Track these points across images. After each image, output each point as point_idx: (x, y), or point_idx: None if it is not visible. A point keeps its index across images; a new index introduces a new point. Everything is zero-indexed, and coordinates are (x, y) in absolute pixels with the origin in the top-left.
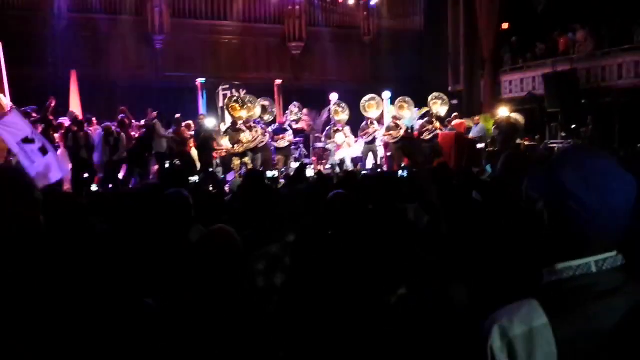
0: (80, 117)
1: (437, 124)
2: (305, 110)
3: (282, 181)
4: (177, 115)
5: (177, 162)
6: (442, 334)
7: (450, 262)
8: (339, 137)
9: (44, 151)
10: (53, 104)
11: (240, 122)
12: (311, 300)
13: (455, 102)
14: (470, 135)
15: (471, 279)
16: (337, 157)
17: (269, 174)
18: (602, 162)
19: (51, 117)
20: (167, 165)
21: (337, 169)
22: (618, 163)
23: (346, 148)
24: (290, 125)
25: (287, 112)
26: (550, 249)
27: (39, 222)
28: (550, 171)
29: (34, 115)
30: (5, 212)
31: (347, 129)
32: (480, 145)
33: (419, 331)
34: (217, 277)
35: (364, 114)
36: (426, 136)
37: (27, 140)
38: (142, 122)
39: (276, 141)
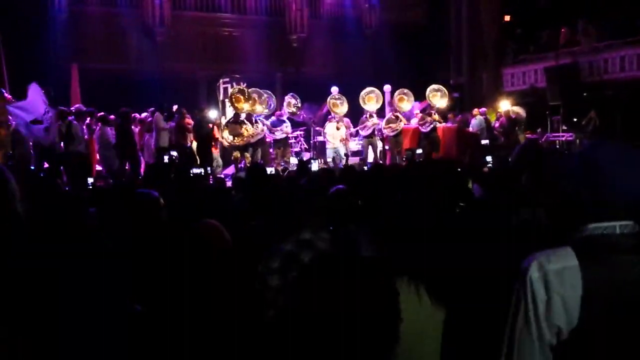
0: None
1: (436, 117)
2: (305, 104)
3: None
4: (175, 107)
5: (175, 155)
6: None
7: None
8: (329, 129)
9: (46, 130)
10: (52, 94)
11: (242, 114)
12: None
13: (456, 95)
14: (470, 129)
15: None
16: (328, 147)
17: (268, 169)
18: (628, 147)
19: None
20: (166, 160)
21: (332, 163)
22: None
23: (336, 139)
24: (289, 118)
25: (283, 103)
26: (579, 215)
27: (16, 213)
28: (584, 154)
29: (64, 109)
30: None
31: (345, 122)
32: (484, 142)
33: None
34: (209, 275)
35: (363, 106)
36: (424, 128)
37: (35, 122)
38: (143, 115)
39: (273, 133)
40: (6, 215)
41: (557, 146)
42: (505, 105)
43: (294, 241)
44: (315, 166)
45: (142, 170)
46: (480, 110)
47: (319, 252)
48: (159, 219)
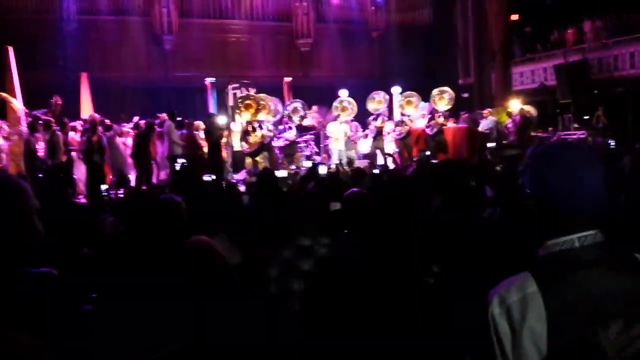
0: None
1: (440, 120)
2: (315, 107)
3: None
4: (179, 119)
5: (184, 162)
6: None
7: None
8: (332, 128)
9: None
10: (60, 102)
11: (251, 122)
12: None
13: (465, 95)
14: (480, 129)
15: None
16: (332, 148)
17: (279, 173)
18: (573, 154)
19: (66, 120)
20: (177, 167)
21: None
22: (589, 154)
23: (340, 141)
24: (298, 124)
25: (290, 109)
26: (542, 231)
27: (34, 228)
28: (533, 165)
29: (43, 117)
30: None
31: (353, 126)
32: (490, 145)
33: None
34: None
35: (369, 109)
36: (430, 130)
37: None
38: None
39: (277, 139)
40: (26, 231)
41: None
42: (515, 104)
43: (294, 248)
44: (323, 170)
45: (154, 178)
46: (484, 110)
47: (319, 259)
48: (182, 222)
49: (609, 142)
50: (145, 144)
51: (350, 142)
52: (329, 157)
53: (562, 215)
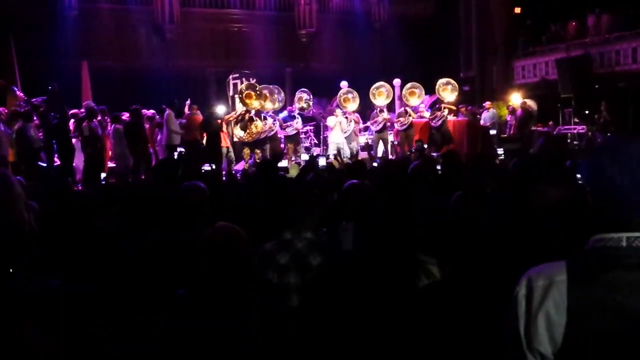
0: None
1: (446, 111)
2: (315, 99)
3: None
4: (187, 103)
5: (182, 150)
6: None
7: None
8: (330, 120)
9: None
10: (56, 89)
11: (252, 111)
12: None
13: (467, 88)
14: (481, 122)
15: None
16: (330, 140)
17: (282, 164)
18: (635, 148)
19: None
20: (175, 156)
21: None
22: None
23: (338, 132)
24: (300, 113)
25: (295, 99)
26: (593, 224)
27: (22, 219)
28: (591, 158)
29: (40, 107)
30: None
31: (355, 117)
32: (492, 132)
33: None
34: (224, 275)
35: (373, 101)
36: (434, 122)
37: None
38: (151, 112)
39: (284, 129)
40: (13, 221)
41: (569, 139)
42: (516, 98)
43: (276, 241)
44: (322, 162)
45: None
46: (486, 103)
47: (292, 254)
48: (205, 210)
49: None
50: (136, 132)
51: (352, 134)
52: (327, 149)
53: (613, 211)
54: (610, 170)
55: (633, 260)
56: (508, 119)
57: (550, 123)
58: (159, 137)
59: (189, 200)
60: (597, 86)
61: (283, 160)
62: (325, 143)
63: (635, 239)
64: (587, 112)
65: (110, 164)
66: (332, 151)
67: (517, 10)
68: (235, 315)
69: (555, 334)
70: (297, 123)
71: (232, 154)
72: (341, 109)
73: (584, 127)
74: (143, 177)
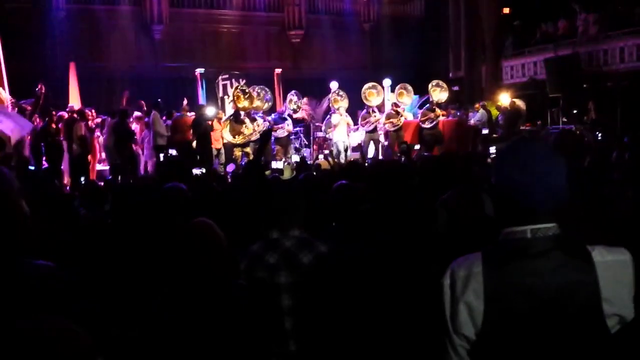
0: (78, 109)
1: (439, 112)
2: (305, 99)
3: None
4: (185, 102)
5: (174, 152)
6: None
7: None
8: (334, 118)
9: None
10: (43, 90)
11: (243, 112)
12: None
13: (456, 88)
14: (471, 122)
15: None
16: (334, 139)
17: (274, 164)
18: (534, 149)
19: (52, 110)
20: (161, 158)
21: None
22: (549, 150)
23: (344, 128)
24: (290, 115)
25: (286, 101)
26: (502, 220)
27: (22, 211)
28: (497, 160)
29: (28, 108)
30: None
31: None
32: (485, 131)
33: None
34: (199, 271)
35: (365, 102)
36: (428, 124)
37: None
38: (137, 113)
39: (275, 131)
40: (13, 215)
41: None
42: (505, 98)
43: (263, 241)
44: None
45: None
46: (480, 103)
47: (281, 252)
48: (186, 210)
49: (597, 134)
50: (123, 133)
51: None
52: (319, 149)
53: (520, 207)
54: (512, 171)
55: (537, 249)
56: (499, 118)
57: (539, 122)
58: (145, 137)
59: (170, 201)
60: (585, 86)
61: (278, 162)
62: (315, 143)
63: (538, 230)
64: (575, 111)
65: (99, 166)
66: (341, 148)
67: (506, 10)
68: (213, 305)
69: (476, 318)
70: (288, 125)
71: (222, 156)
72: (333, 109)
73: (572, 126)
74: (130, 178)
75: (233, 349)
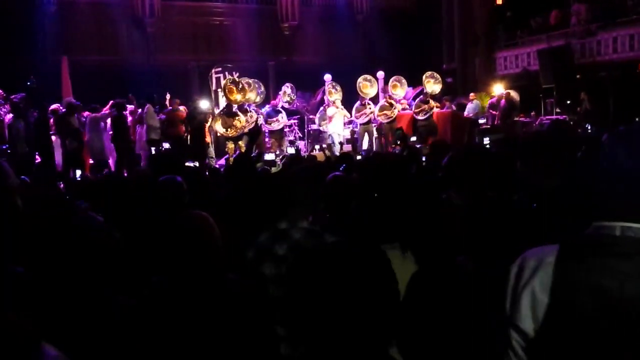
0: (70, 103)
1: (432, 103)
2: (299, 92)
3: (279, 164)
4: (168, 97)
5: (166, 145)
6: (451, 304)
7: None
8: (330, 110)
9: None
10: (34, 84)
11: (235, 105)
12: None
13: (449, 80)
14: (465, 113)
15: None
16: (329, 131)
17: (267, 156)
18: None
19: (45, 104)
20: (153, 151)
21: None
22: None
23: (340, 121)
24: (283, 107)
25: (279, 93)
26: (595, 211)
27: (15, 206)
28: (606, 145)
29: (20, 103)
30: None
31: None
32: (482, 121)
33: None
34: (190, 263)
35: (360, 94)
36: (422, 115)
37: None
38: (130, 107)
39: (269, 124)
40: (6, 208)
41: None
42: (499, 89)
43: (271, 231)
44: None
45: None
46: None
47: (293, 243)
48: (183, 203)
49: (587, 126)
50: (121, 127)
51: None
52: (312, 142)
53: (618, 200)
54: (621, 157)
55: (623, 249)
56: (491, 110)
57: (533, 113)
58: (137, 131)
59: (166, 194)
60: (578, 76)
61: (270, 154)
62: (309, 136)
63: (629, 229)
64: (568, 102)
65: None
66: (336, 141)
67: (499, 1)
68: (207, 296)
69: (538, 312)
70: (282, 118)
71: (211, 150)
72: (325, 101)
73: (566, 117)
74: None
75: (229, 343)
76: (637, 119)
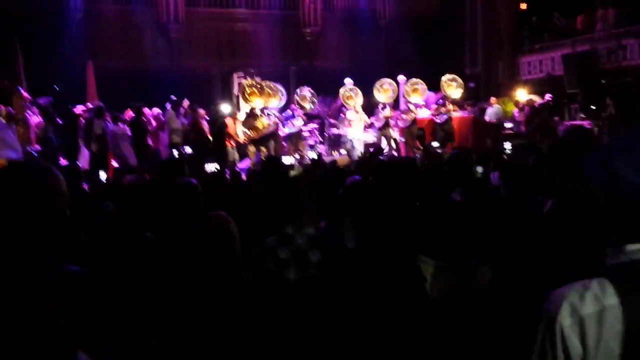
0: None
1: (450, 107)
2: (320, 97)
3: (298, 167)
4: (186, 103)
5: (188, 149)
6: (468, 313)
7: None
8: (350, 114)
9: None
10: (58, 89)
11: (257, 108)
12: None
13: (472, 85)
14: (486, 118)
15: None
16: (348, 136)
17: (284, 160)
18: None
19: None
20: (176, 154)
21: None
22: None
23: (359, 126)
24: (304, 112)
25: (296, 96)
26: (615, 230)
27: (63, 216)
28: (602, 157)
29: (47, 106)
30: (25, 207)
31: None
32: (508, 125)
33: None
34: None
35: (377, 98)
36: (439, 119)
37: None
38: (157, 111)
39: (284, 127)
40: (58, 219)
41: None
42: (522, 94)
43: (278, 235)
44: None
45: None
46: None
47: (296, 248)
48: (199, 206)
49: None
50: (140, 131)
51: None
52: (332, 146)
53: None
54: (625, 171)
55: None
56: (515, 114)
57: (556, 119)
58: (161, 136)
59: (182, 196)
60: (603, 81)
61: (289, 157)
62: (329, 140)
63: None
64: (593, 107)
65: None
66: (358, 147)
67: (523, 6)
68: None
69: None
70: (297, 122)
71: (236, 153)
72: (345, 106)
73: (590, 122)
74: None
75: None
76: None
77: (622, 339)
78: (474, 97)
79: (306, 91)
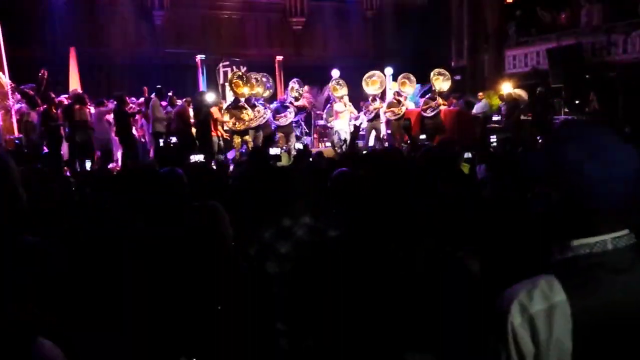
0: (78, 94)
1: (440, 101)
2: (306, 87)
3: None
4: (170, 93)
5: (174, 139)
6: (458, 304)
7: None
8: (338, 106)
9: None
10: (46, 75)
11: (242, 99)
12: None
13: (458, 78)
14: (474, 112)
15: (484, 252)
16: (335, 127)
17: (272, 151)
18: (602, 135)
19: (52, 95)
20: (161, 144)
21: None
22: (617, 135)
23: (346, 117)
24: (291, 102)
25: (287, 89)
26: (560, 225)
27: (18, 196)
28: (551, 147)
29: (31, 93)
30: None
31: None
32: (496, 118)
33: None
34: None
35: (366, 90)
36: (429, 112)
37: None
38: (141, 99)
39: (277, 119)
40: (9, 198)
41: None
42: (507, 87)
43: (274, 228)
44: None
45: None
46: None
47: (296, 241)
48: (184, 195)
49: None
50: (122, 120)
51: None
52: (319, 137)
53: (589, 209)
54: (581, 160)
55: (621, 264)
56: (502, 109)
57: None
58: (143, 125)
59: (167, 186)
60: (587, 76)
61: (277, 149)
62: (316, 132)
63: (618, 240)
64: (577, 102)
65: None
66: (342, 137)
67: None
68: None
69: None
70: (291, 113)
71: (221, 143)
72: (332, 97)
73: (574, 117)
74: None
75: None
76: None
77: (572, 335)
78: (460, 90)
79: (293, 83)
